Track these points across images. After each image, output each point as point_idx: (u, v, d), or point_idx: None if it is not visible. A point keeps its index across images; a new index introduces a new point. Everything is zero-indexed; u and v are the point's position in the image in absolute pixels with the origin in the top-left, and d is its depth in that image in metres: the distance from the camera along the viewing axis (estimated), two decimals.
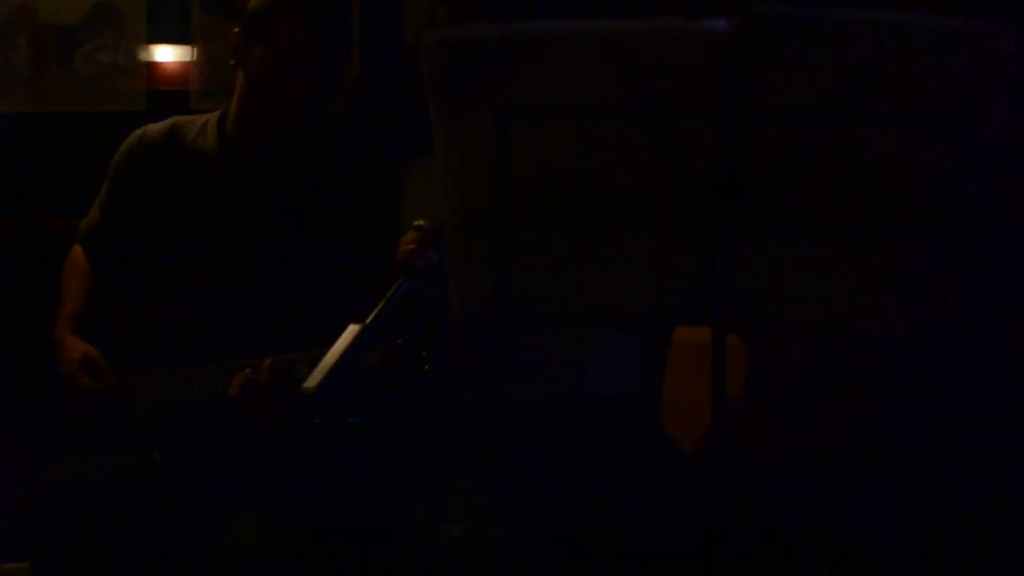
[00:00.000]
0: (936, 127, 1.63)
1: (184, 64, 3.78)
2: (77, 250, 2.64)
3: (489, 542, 2.20)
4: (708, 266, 1.69)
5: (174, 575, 2.29)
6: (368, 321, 2.00)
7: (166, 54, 3.85)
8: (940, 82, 1.61)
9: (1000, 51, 1.59)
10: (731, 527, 1.89)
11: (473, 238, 1.71)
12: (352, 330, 1.98)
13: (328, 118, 2.56)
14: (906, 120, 1.63)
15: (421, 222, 2.18)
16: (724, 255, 1.68)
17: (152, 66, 3.84)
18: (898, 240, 1.68)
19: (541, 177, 1.68)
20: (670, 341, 2.48)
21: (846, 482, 2.24)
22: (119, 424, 2.42)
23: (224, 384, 2.31)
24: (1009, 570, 2.23)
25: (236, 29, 2.48)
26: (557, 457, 2.30)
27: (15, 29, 3.75)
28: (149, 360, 2.43)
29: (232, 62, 2.48)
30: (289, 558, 2.21)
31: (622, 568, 2.15)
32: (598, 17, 1.64)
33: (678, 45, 1.61)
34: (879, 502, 2.19)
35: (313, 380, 1.90)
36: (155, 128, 2.58)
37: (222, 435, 2.36)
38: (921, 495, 2.24)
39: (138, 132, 2.60)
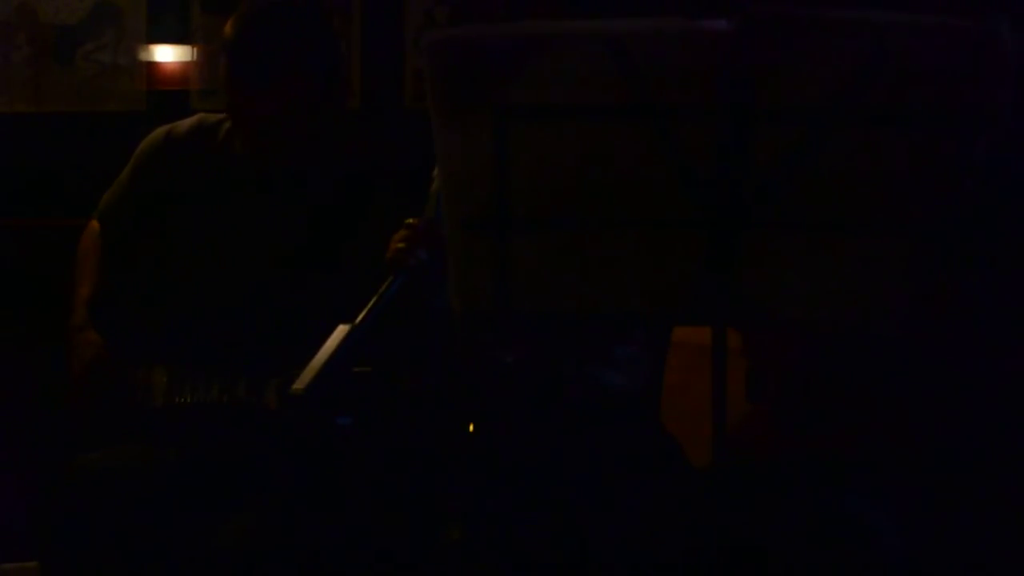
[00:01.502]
0: (936, 127, 1.63)
1: (184, 64, 3.78)
2: (94, 226, 2.63)
3: (486, 544, 2.20)
4: (708, 266, 1.69)
5: (182, 573, 2.29)
6: (357, 321, 2.00)
7: (166, 54, 3.85)
8: (940, 82, 1.61)
9: (1000, 50, 1.59)
10: (734, 531, 1.89)
11: (473, 238, 1.71)
12: (341, 330, 1.97)
13: (350, 123, 2.55)
14: (906, 120, 1.63)
15: (412, 220, 2.17)
16: (724, 255, 1.68)
17: (152, 66, 3.84)
18: (899, 240, 1.68)
19: (541, 177, 1.68)
20: (670, 341, 2.48)
21: (849, 485, 2.24)
22: (134, 419, 2.41)
23: (245, 390, 2.30)
24: (1009, 571, 2.23)
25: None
26: (557, 458, 2.30)
27: (15, 29, 3.75)
28: (167, 355, 2.42)
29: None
30: (288, 559, 2.21)
31: (623, 571, 2.15)
32: (598, 17, 1.64)
33: (678, 45, 1.61)
34: (883, 505, 2.19)
35: (302, 382, 1.89)
36: (182, 127, 2.56)
37: (235, 436, 2.35)
38: (924, 498, 2.24)
39: (165, 129, 2.57)
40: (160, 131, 2.57)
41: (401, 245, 2.13)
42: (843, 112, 1.62)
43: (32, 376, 3.22)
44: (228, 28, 2.39)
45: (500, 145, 1.66)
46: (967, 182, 1.65)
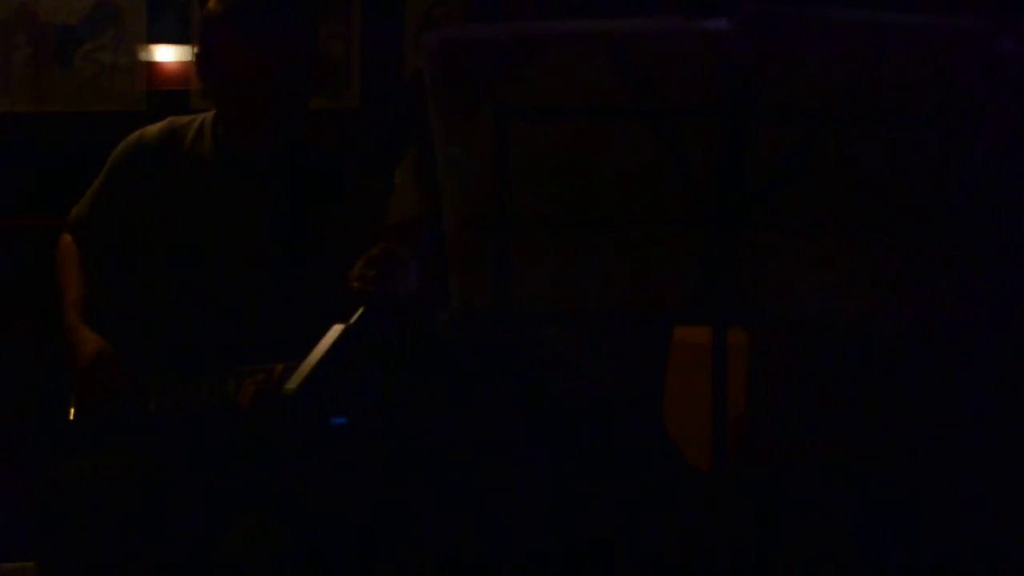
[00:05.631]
0: (936, 127, 1.63)
1: (184, 64, 3.77)
2: (67, 239, 2.62)
3: (486, 547, 2.20)
4: (709, 266, 1.69)
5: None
6: (352, 321, 1.99)
7: (166, 54, 3.85)
8: (940, 82, 1.61)
9: (1000, 51, 1.59)
10: (732, 533, 1.89)
11: (473, 238, 1.71)
12: (336, 330, 1.97)
13: (322, 117, 2.54)
14: (906, 120, 1.63)
15: (374, 250, 2.13)
16: (725, 255, 1.68)
17: (152, 66, 3.83)
18: (898, 240, 1.68)
19: (541, 177, 1.68)
20: (670, 341, 2.49)
21: (846, 487, 2.24)
22: (129, 423, 2.41)
23: (236, 388, 2.29)
24: (1009, 572, 2.23)
25: (195, 57, 2.46)
26: (558, 461, 2.29)
27: (15, 29, 3.75)
28: (156, 360, 2.42)
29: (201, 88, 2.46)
30: (289, 561, 2.21)
31: (623, 570, 2.15)
32: (598, 17, 1.64)
33: (678, 45, 1.61)
34: (881, 507, 2.19)
35: (294, 381, 1.89)
36: (152, 131, 2.56)
37: (229, 437, 2.35)
38: (920, 500, 2.24)
39: (136, 134, 2.58)
40: (132, 136, 2.56)
41: (370, 273, 2.09)
42: (843, 112, 1.62)
43: (32, 376, 3.22)
44: (217, 3, 2.40)
45: (500, 145, 1.66)
46: (967, 182, 1.65)
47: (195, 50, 2.46)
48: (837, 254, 1.69)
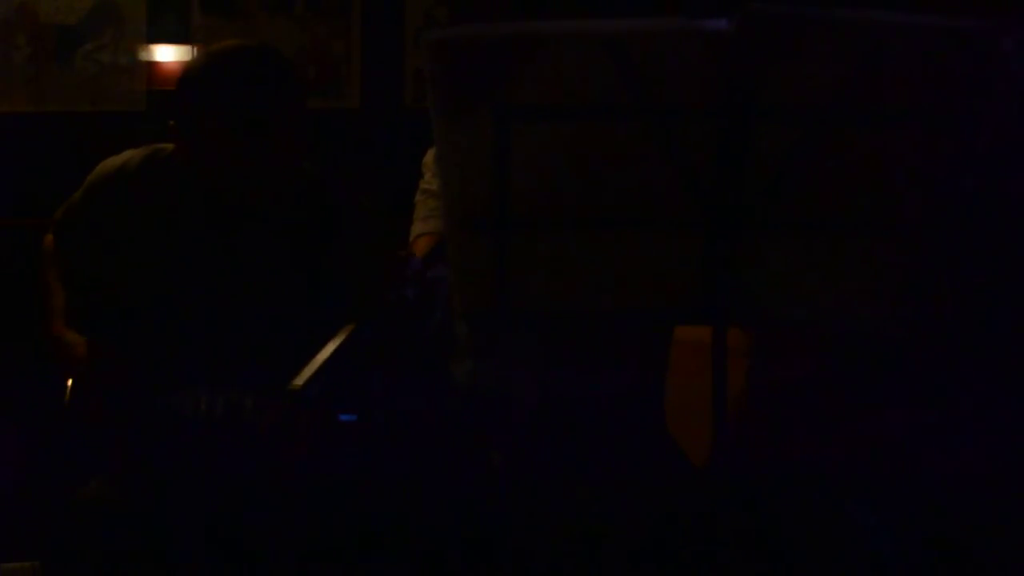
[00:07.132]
0: (936, 127, 1.63)
1: (184, 64, 3.78)
2: (50, 241, 2.61)
3: (491, 543, 2.20)
4: (709, 266, 1.69)
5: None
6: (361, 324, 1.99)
7: (166, 54, 3.85)
8: (940, 82, 1.61)
9: (1000, 51, 1.59)
10: (731, 530, 1.89)
11: (473, 238, 1.71)
12: (347, 329, 1.97)
13: (323, 117, 2.50)
14: (906, 120, 1.63)
15: (403, 253, 2.15)
16: (724, 255, 1.68)
17: (152, 66, 3.84)
18: (898, 240, 1.68)
19: (541, 177, 1.68)
20: (670, 341, 2.49)
21: (845, 486, 2.24)
22: (138, 437, 2.39)
23: (254, 405, 2.28)
24: (1006, 571, 2.23)
25: (171, 123, 2.40)
26: (559, 459, 2.30)
27: (15, 29, 3.76)
28: (168, 373, 2.40)
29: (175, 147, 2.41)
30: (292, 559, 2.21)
31: (625, 569, 2.15)
32: (598, 17, 1.64)
33: (678, 45, 1.61)
34: (877, 507, 2.19)
35: (301, 378, 1.89)
36: (135, 161, 2.48)
37: (242, 452, 2.34)
38: (919, 499, 2.24)
39: (120, 161, 2.50)
40: (113, 163, 2.49)
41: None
42: (843, 112, 1.62)
43: (32, 375, 3.22)
44: (203, 72, 2.35)
45: (500, 145, 1.66)
46: (967, 182, 1.65)
47: (170, 124, 2.41)
48: (838, 254, 1.69)
